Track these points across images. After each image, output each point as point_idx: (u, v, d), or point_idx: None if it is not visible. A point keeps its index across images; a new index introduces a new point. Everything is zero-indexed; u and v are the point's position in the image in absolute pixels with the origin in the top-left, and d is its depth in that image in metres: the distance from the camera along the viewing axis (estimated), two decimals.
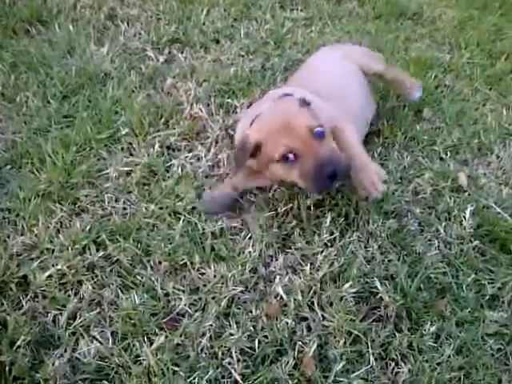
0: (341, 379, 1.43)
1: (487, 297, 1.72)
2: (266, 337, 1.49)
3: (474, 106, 2.61)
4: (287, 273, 1.68)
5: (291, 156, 1.65)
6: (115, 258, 1.64)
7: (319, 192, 1.84)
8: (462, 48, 3.11)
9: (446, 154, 2.25)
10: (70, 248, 1.65)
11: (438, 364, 1.51)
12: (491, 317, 1.65)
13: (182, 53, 2.67)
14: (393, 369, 1.49)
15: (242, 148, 1.73)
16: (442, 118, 2.46)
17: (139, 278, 1.60)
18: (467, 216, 1.92)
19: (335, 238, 1.78)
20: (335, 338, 1.52)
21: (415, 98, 2.33)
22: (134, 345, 1.43)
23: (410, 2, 3.52)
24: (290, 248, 1.75)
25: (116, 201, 1.84)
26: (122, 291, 1.55)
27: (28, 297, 1.53)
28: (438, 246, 1.84)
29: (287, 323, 1.53)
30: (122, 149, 2.04)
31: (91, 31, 2.69)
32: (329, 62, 2.24)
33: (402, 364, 1.50)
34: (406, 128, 2.34)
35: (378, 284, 1.66)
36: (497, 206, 2.01)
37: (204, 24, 2.91)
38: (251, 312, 1.55)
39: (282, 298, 1.60)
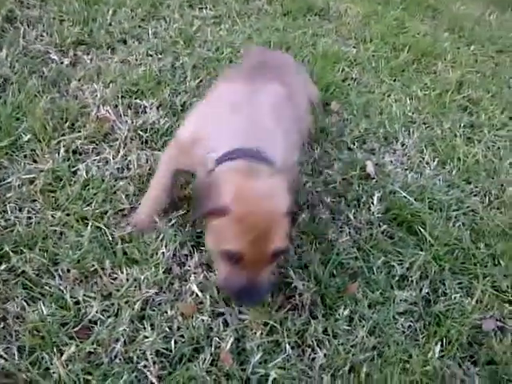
0: (259, 370, 1.44)
1: (396, 277, 1.80)
2: (182, 336, 1.48)
3: (379, 97, 2.72)
4: (202, 270, 1.67)
5: (233, 259, 1.39)
6: (20, 270, 1.56)
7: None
8: (367, 42, 3.24)
9: (354, 144, 2.33)
10: None
11: (353, 346, 1.56)
12: (401, 296, 1.73)
13: (88, 54, 2.58)
14: (309, 355, 1.52)
15: (209, 192, 1.41)
16: (350, 109, 2.55)
17: (47, 288, 1.53)
18: (375, 202, 2.00)
19: None
20: (252, 330, 1.53)
21: None
22: (42, 358, 1.37)
23: None
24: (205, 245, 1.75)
25: (20, 210, 1.75)
26: (28, 303, 1.48)
27: None
28: (349, 233, 1.91)
29: (203, 320, 1.52)
30: (25, 156, 1.94)
31: None
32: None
33: (318, 349, 1.53)
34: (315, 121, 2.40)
35: (292, 274, 1.69)
36: (403, 191, 2.11)
37: (110, 25, 2.83)
38: (166, 313, 1.53)
39: (197, 295, 1.59)
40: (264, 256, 1.39)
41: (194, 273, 1.66)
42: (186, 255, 1.72)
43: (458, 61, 3.27)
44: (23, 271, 1.56)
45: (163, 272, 1.63)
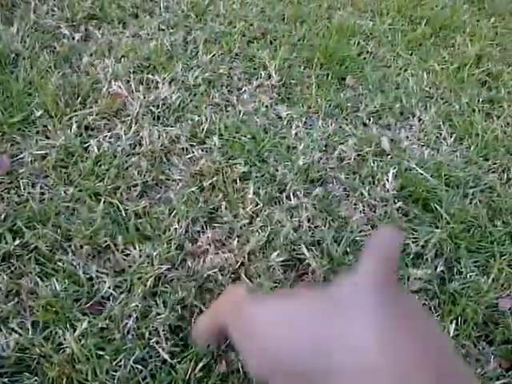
0: None
1: (411, 255, 1.77)
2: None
3: (395, 71, 2.66)
4: (215, 247, 1.66)
5: None
6: (33, 246, 1.56)
7: None
8: (384, 14, 3.15)
9: (369, 120, 2.28)
10: None
11: None
12: (415, 274, 1.70)
13: (99, 29, 2.55)
14: None
15: None
16: (365, 84, 2.50)
17: (60, 264, 1.53)
18: (390, 178, 1.97)
19: (261, 209, 1.77)
20: None
21: None
22: (56, 333, 1.37)
23: None
24: (218, 222, 1.73)
25: (32, 186, 1.75)
26: (41, 279, 1.49)
27: None
28: (363, 210, 1.88)
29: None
30: (37, 132, 1.94)
31: None
32: None
33: None
34: (331, 96, 2.36)
35: (305, 251, 1.67)
36: (419, 167, 2.06)
37: None
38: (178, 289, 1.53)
39: None
40: None
41: (207, 249, 1.65)
42: (199, 231, 1.71)
43: (477, 34, 3.17)
44: (36, 247, 1.57)
45: (175, 248, 1.62)
